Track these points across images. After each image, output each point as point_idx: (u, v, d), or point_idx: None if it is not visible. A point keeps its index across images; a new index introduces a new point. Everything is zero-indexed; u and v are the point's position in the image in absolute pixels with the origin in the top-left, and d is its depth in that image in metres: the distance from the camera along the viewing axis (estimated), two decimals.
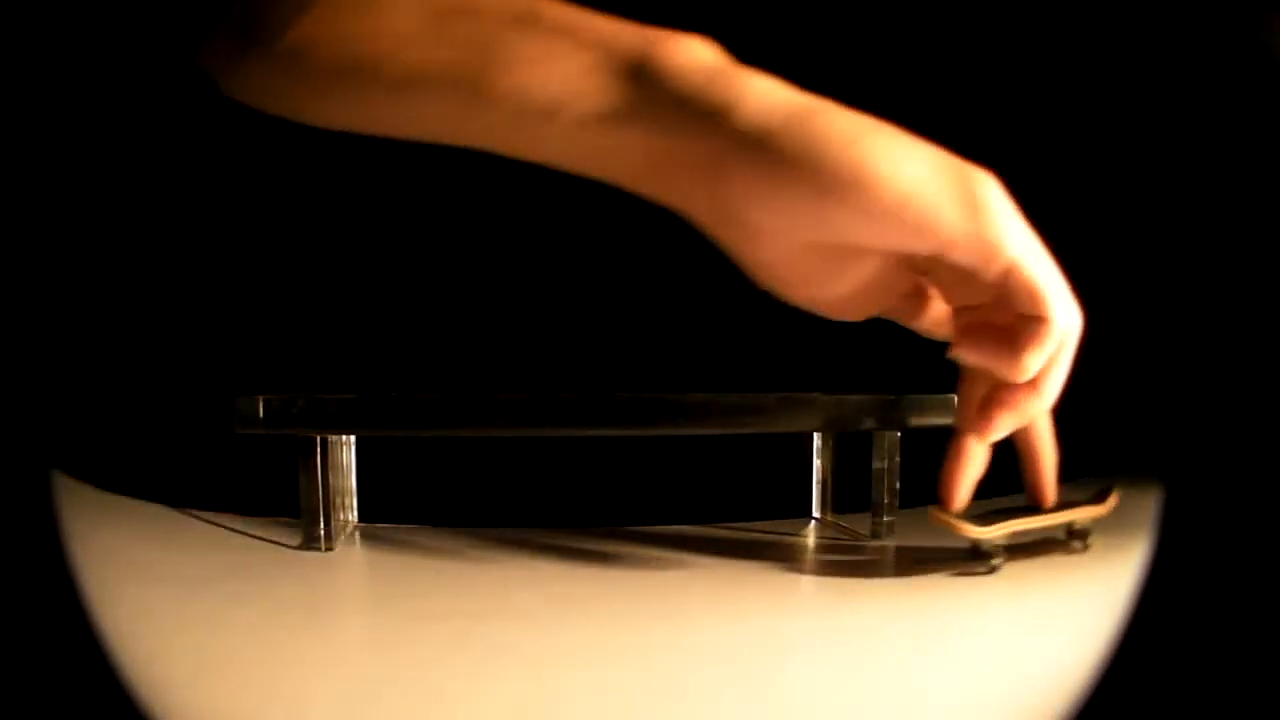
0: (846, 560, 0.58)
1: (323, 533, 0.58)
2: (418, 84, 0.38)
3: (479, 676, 0.39)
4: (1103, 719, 0.39)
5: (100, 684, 0.40)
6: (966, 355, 0.44)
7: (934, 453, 0.55)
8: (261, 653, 0.41)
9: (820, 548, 0.61)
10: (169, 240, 0.74)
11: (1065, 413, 0.71)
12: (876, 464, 0.59)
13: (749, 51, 0.42)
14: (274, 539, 0.60)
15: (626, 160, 0.38)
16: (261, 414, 0.58)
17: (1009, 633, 0.47)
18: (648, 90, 0.36)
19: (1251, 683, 0.44)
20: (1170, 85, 0.69)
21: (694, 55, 0.37)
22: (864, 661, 0.42)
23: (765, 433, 0.59)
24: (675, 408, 0.57)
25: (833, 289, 0.42)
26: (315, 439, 0.57)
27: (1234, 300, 0.61)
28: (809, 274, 0.41)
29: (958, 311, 0.45)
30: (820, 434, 0.65)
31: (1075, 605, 0.51)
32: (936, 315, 0.48)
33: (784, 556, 0.59)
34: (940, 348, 0.49)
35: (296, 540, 0.58)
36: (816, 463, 0.66)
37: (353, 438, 0.62)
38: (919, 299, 0.48)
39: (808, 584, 0.54)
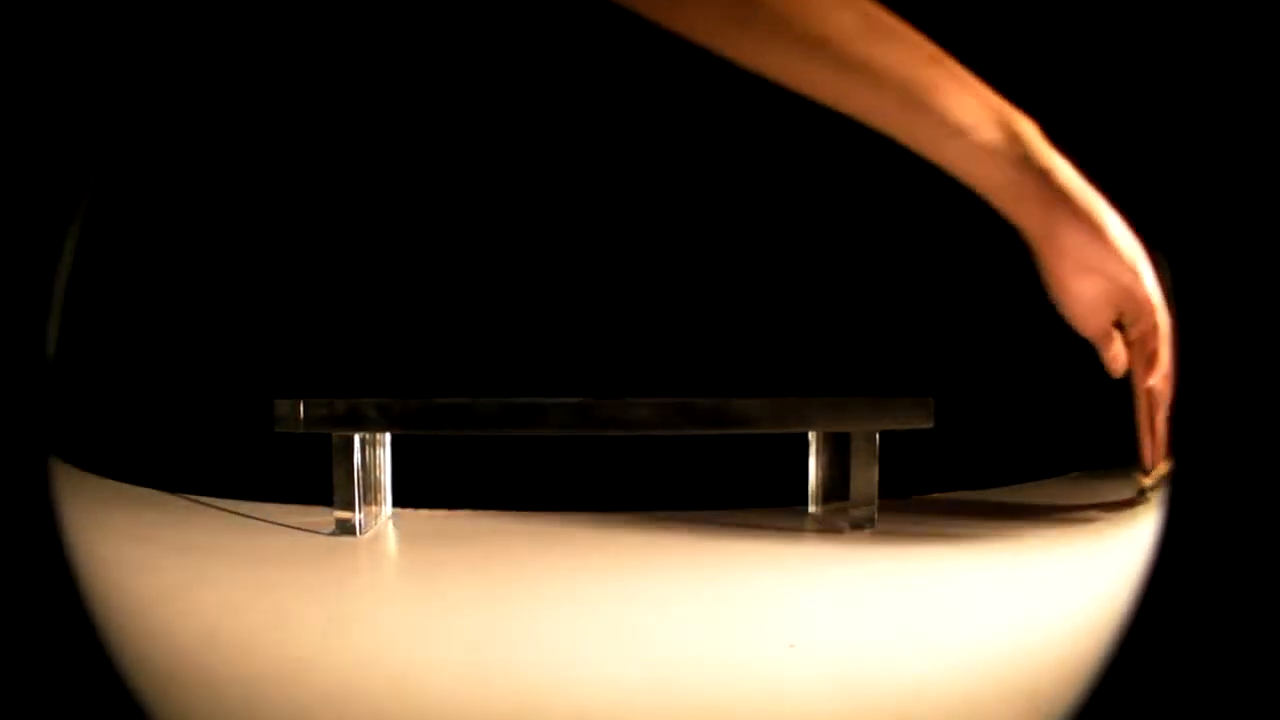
0: (835, 544, 0.63)
1: (358, 521, 0.63)
2: (865, 73, 0.51)
3: (504, 630, 0.46)
4: (1115, 698, 0.42)
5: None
6: (1153, 379, 0.56)
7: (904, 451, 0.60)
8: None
9: (808, 534, 0.66)
10: (212, 255, 0.79)
11: (1077, 403, 0.75)
12: (858, 462, 0.64)
13: None
14: (309, 528, 0.66)
15: (999, 184, 0.51)
16: (302, 415, 0.63)
17: (1016, 610, 0.51)
18: (1018, 150, 0.52)
19: (1256, 664, 0.47)
20: (1175, 81, 0.71)
21: (1034, 134, 0.52)
22: (867, 623, 0.48)
23: (764, 433, 0.64)
24: (689, 412, 0.62)
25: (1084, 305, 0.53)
26: (353, 438, 0.63)
27: (1237, 292, 0.63)
28: (1079, 291, 0.52)
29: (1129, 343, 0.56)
30: (815, 434, 0.70)
31: (1084, 584, 0.54)
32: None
33: (775, 537, 0.65)
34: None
35: (330, 528, 0.64)
36: (812, 460, 0.71)
37: (388, 436, 0.68)
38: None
39: (798, 555, 0.60)
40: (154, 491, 0.76)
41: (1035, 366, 0.80)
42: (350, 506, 0.64)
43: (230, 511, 0.71)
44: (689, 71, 0.85)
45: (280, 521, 0.68)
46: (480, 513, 0.71)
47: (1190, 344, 0.61)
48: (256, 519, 0.69)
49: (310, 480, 0.67)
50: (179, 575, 0.56)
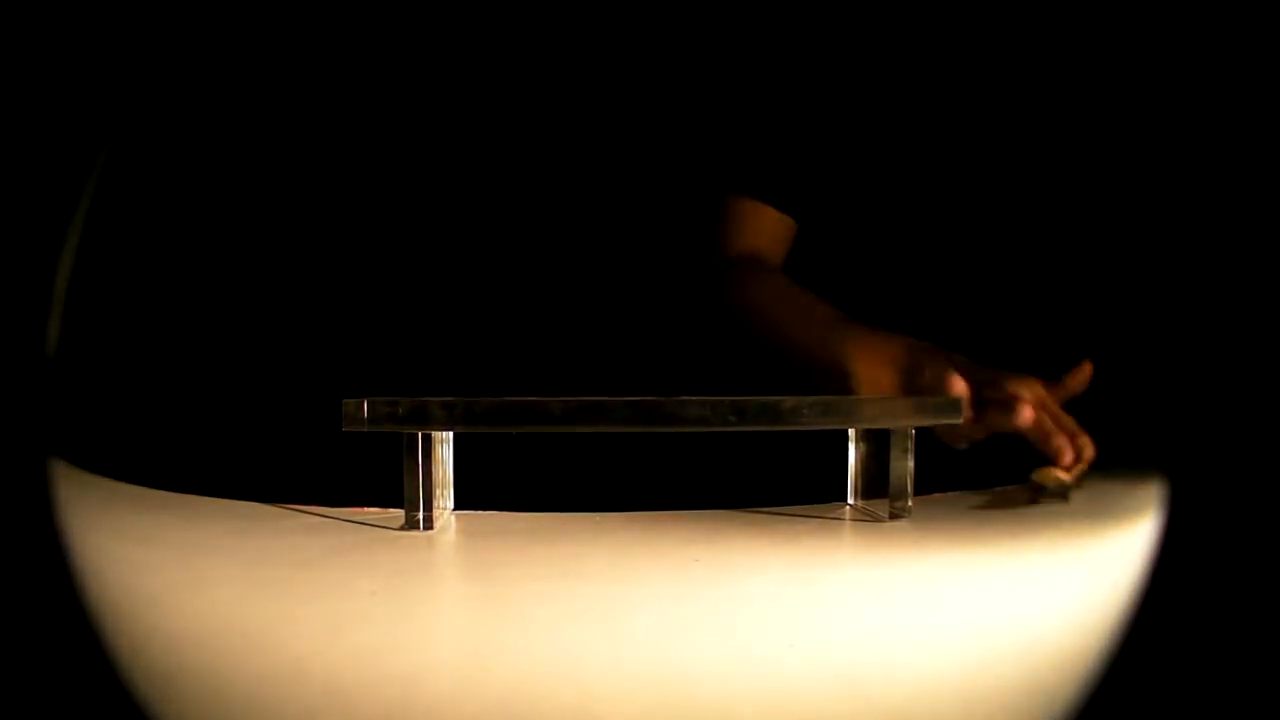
0: (869, 537, 0.66)
1: (422, 517, 0.67)
2: None
3: (559, 625, 0.49)
4: (1111, 705, 0.43)
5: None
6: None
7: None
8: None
9: (848, 527, 0.70)
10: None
11: (1075, 409, 0.78)
12: (896, 456, 0.67)
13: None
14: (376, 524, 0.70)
15: None
16: (366, 415, 0.67)
17: (1015, 613, 0.52)
18: None
19: (1253, 671, 0.50)
20: (1174, 85, 0.73)
21: None
22: (877, 616, 0.51)
23: (808, 429, 0.67)
24: (742, 410, 0.65)
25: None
26: (418, 436, 0.66)
27: (1233, 297, 0.66)
28: None
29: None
30: (854, 430, 0.73)
31: (1081, 591, 0.56)
32: None
33: (818, 532, 0.68)
34: None
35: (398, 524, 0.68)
36: (851, 455, 0.74)
37: (451, 434, 0.71)
38: None
39: (837, 553, 0.63)
40: (155, 491, 0.79)
41: (1031, 367, 0.83)
42: (416, 505, 0.67)
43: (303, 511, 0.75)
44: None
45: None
46: (527, 514, 0.74)
47: (1189, 344, 0.64)
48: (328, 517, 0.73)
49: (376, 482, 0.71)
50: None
